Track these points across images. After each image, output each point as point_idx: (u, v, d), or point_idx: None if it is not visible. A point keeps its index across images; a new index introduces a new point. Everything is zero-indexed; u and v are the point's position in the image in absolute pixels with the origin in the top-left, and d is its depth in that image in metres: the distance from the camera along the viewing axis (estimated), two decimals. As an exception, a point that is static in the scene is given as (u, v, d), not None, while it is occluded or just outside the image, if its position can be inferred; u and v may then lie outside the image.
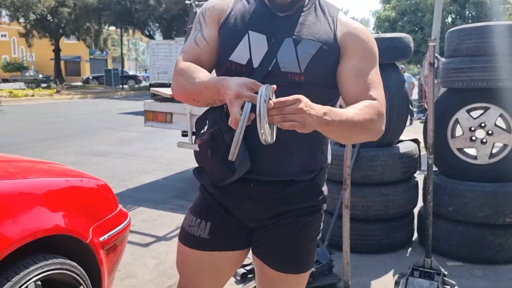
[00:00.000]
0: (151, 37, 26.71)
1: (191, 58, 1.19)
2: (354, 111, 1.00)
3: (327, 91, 1.15)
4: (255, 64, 1.10)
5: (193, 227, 1.27)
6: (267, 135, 0.83)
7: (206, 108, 1.18)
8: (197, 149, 1.20)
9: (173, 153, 6.14)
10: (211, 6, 1.22)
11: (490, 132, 2.89)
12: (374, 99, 1.08)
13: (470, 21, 24.27)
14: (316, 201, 1.24)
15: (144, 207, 4.08)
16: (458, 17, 25.24)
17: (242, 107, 0.87)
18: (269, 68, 1.09)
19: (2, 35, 40.08)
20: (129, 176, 5.21)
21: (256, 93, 0.85)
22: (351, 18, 1.27)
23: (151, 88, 5.21)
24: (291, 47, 1.10)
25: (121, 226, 2.00)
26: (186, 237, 1.30)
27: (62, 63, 29.43)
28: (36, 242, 1.48)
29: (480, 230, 2.88)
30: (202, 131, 1.15)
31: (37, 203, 1.58)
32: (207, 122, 1.14)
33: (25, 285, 1.42)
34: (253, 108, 0.85)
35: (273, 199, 1.18)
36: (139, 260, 2.93)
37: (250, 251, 1.33)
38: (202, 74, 1.09)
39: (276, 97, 0.98)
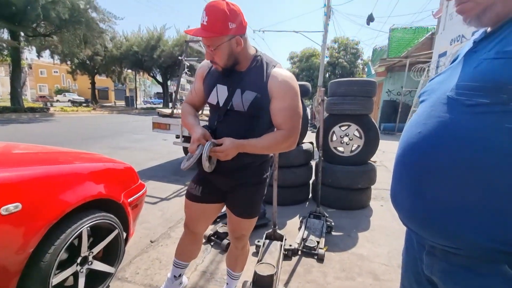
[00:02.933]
0: (154, 77, 25.40)
1: (189, 100, 1.28)
2: (257, 141, 1.07)
3: (263, 118, 1.12)
4: (221, 104, 1.11)
5: (192, 189, 1.31)
6: (206, 165, 1.02)
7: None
8: (186, 145, 1.32)
9: (170, 148, 5.81)
10: (199, 68, 1.24)
11: (351, 138, 3.08)
12: (284, 129, 1.08)
13: (338, 76, 25.70)
14: (260, 178, 1.25)
15: (153, 180, 3.88)
16: (332, 74, 26.67)
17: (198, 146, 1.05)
18: (228, 107, 1.10)
19: (54, 71, 36.07)
20: (143, 162, 4.91)
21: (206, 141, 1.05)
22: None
23: (157, 108, 4.98)
24: (239, 96, 1.08)
25: (140, 192, 1.91)
26: (189, 195, 1.32)
27: (96, 91, 26.99)
28: (88, 203, 1.38)
29: (344, 191, 3.03)
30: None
31: (86, 179, 1.46)
32: None
33: (79, 230, 1.31)
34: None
35: (235, 177, 1.20)
36: (151, 212, 2.80)
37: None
38: (187, 117, 1.22)
39: (232, 122, 1.14)
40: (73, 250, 1.37)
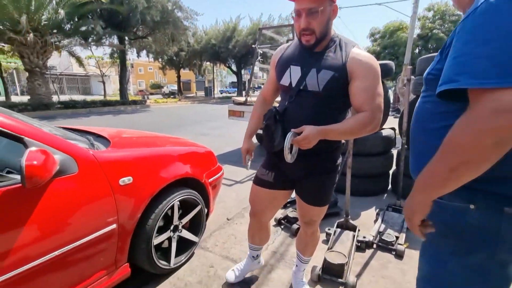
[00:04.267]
0: (229, 67, 26.94)
1: (265, 90, 1.37)
2: (340, 125, 1.04)
3: (338, 100, 1.10)
4: (293, 84, 1.11)
5: (264, 175, 1.32)
6: (288, 156, 1.01)
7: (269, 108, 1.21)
8: (258, 132, 1.40)
9: (244, 135, 6.14)
10: (273, 56, 1.27)
11: (443, 124, 2.67)
12: (366, 110, 1.03)
13: (431, 51, 21.93)
14: (332, 166, 1.22)
15: (228, 164, 4.23)
16: (423, 49, 22.93)
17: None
18: (301, 87, 1.09)
19: (149, 68, 42.37)
20: (220, 147, 5.39)
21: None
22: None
23: (232, 97, 5.36)
24: (314, 75, 1.06)
25: (219, 174, 2.12)
26: (260, 181, 1.34)
27: (181, 83, 30.54)
28: (178, 181, 1.62)
29: (433, 185, 2.68)
30: (264, 122, 1.15)
31: (176, 160, 1.71)
32: (265, 117, 1.14)
33: (172, 202, 1.57)
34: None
35: (304, 164, 1.17)
36: (226, 193, 3.08)
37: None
38: (250, 121, 1.41)
39: (304, 103, 1.11)
40: (167, 219, 1.66)
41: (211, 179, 1.97)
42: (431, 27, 22.69)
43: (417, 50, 22.85)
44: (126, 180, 1.30)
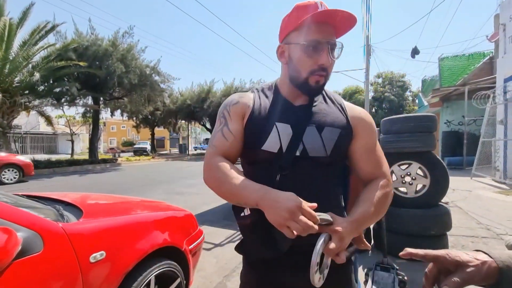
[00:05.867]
0: (204, 125, 27.64)
1: (220, 152, 0.79)
2: (368, 205, 0.73)
3: (340, 167, 0.84)
4: (284, 149, 0.76)
5: None
6: (315, 279, 0.61)
7: None
8: None
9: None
10: (235, 103, 0.83)
11: (414, 178, 2.82)
12: (384, 175, 0.80)
13: (386, 111, 24.62)
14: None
15: (205, 225, 3.96)
16: (379, 108, 25.69)
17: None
18: (298, 154, 0.75)
19: (122, 126, 42.10)
20: (196, 206, 5.11)
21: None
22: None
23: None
24: (316, 134, 0.77)
25: (200, 239, 1.96)
26: None
27: (155, 141, 30.32)
28: (156, 251, 1.46)
29: (415, 239, 2.68)
30: (243, 214, 0.76)
31: (154, 228, 1.56)
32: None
33: (149, 278, 1.37)
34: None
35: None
36: (206, 259, 2.80)
37: None
38: (237, 178, 0.71)
39: (306, 173, 0.76)
40: (142, 299, 1.42)
41: (192, 246, 1.80)
42: (382, 90, 25.95)
43: (373, 110, 25.57)
44: (98, 255, 1.14)
